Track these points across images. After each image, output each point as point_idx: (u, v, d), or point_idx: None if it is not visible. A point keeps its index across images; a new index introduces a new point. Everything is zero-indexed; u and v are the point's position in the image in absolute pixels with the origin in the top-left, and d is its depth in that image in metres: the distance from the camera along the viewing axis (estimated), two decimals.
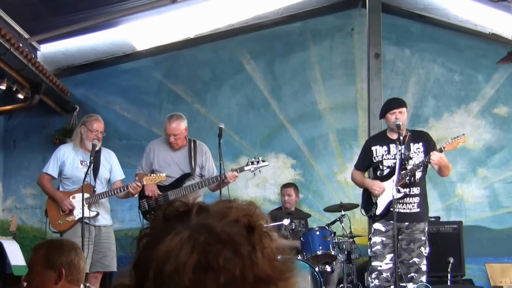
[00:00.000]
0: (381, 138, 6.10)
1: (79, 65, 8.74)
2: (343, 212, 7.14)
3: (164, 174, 6.26)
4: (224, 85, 8.91)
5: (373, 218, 6.12)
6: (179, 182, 6.41)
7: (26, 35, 7.51)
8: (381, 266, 5.87)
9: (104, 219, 6.35)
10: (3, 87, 7.07)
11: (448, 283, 7.20)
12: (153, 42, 8.64)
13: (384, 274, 5.86)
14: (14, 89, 7.24)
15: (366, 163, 6.22)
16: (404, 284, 5.77)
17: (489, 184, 8.67)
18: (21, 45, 6.75)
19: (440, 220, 8.03)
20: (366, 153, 6.15)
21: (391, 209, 5.86)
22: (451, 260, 7.31)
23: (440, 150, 5.72)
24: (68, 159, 6.29)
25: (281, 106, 8.86)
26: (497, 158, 8.70)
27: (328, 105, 8.85)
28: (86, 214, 6.05)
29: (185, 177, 6.46)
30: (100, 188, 6.27)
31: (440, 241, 7.42)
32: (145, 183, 6.18)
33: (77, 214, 6.15)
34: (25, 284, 3.12)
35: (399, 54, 8.92)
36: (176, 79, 8.91)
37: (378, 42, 8.05)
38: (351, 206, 7.27)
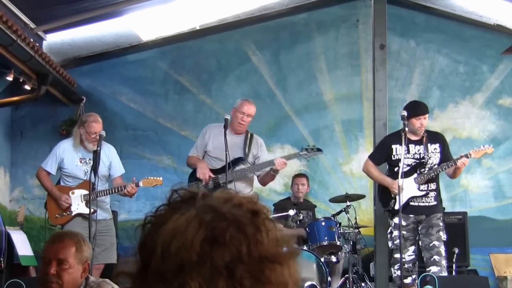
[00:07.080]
0: (401, 138, 6.20)
1: (85, 56, 8.74)
2: (348, 203, 7.18)
3: (161, 178, 6.27)
4: (229, 76, 8.93)
5: (391, 212, 6.37)
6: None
7: (32, 25, 7.49)
8: (404, 258, 6.14)
9: (103, 213, 6.30)
10: (10, 78, 7.09)
11: (453, 273, 7.23)
12: (159, 32, 8.64)
13: (406, 265, 6.18)
14: (21, 80, 7.25)
15: (383, 158, 6.50)
16: (428, 269, 6.06)
17: (494, 174, 8.70)
18: (27, 35, 6.76)
19: (445, 210, 8.03)
20: (385, 150, 6.41)
21: (410, 203, 6.26)
22: (456, 250, 7.34)
23: (467, 156, 6.10)
24: (68, 156, 6.25)
25: (286, 96, 8.88)
26: (501, 149, 8.71)
27: (333, 95, 8.87)
28: (84, 210, 6.07)
29: (237, 161, 6.36)
30: (99, 185, 6.16)
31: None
32: (141, 185, 6.15)
33: (74, 209, 6.15)
34: (51, 275, 3.02)
35: (404, 45, 8.92)
36: (182, 70, 8.92)
37: (383, 33, 8.04)
38: (356, 197, 7.30)
